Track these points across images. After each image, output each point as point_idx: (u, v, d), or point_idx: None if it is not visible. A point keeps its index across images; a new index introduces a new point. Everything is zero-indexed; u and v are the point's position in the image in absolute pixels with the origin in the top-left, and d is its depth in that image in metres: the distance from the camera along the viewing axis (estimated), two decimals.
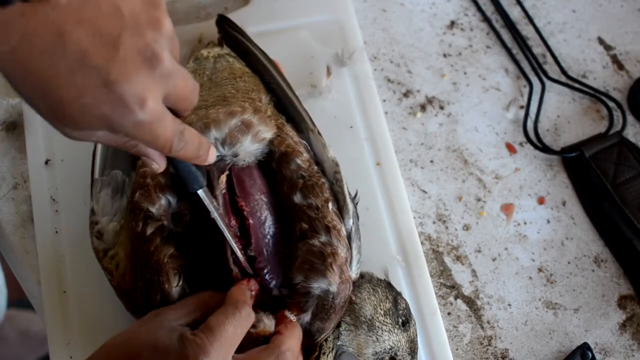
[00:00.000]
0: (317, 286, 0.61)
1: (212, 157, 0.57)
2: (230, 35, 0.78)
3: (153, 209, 0.62)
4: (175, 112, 0.52)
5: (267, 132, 0.66)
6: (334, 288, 0.61)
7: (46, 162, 0.77)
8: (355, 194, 0.69)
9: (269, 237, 0.63)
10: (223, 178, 0.63)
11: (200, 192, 0.59)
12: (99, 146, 0.70)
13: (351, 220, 0.66)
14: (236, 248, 0.61)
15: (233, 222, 0.62)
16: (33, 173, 0.77)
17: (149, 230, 0.61)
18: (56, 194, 0.76)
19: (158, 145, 0.51)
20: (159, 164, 0.55)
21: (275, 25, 0.84)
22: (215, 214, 0.60)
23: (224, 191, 0.63)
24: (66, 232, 0.74)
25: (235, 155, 0.64)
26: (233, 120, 0.65)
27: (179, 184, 0.64)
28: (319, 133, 0.71)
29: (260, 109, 0.68)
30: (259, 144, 0.66)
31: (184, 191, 0.64)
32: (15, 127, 0.80)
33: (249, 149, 0.65)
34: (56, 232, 0.74)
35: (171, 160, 0.56)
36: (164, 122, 0.49)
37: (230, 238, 0.61)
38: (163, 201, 0.63)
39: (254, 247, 0.62)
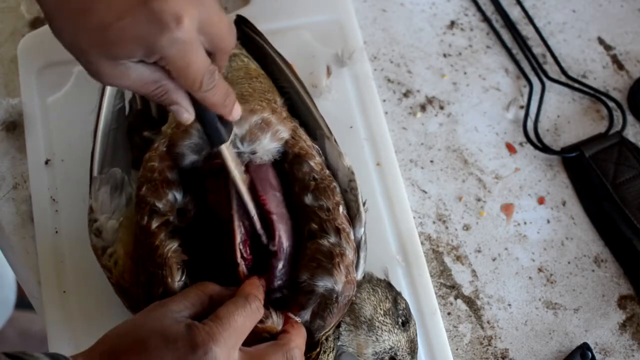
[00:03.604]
0: (322, 284, 0.61)
1: (237, 112, 0.59)
2: (249, 36, 0.78)
3: (159, 204, 0.62)
4: (211, 59, 0.55)
5: (285, 132, 0.66)
6: (339, 287, 0.61)
7: (46, 162, 0.77)
8: (364, 203, 0.69)
9: (284, 234, 0.63)
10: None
11: (222, 147, 0.60)
12: (98, 144, 0.70)
13: (362, 230, 0.67)
14: (253, 211, 0.61)
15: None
16: (33, 173, 0.77)
17: (154, 225, 0.62)
18: (56, 194, 0.76)
19: (189, 76, 0.53)
20: (189, 112, 0.57)
21: (275, 25, 0.84)
22: (234, 174, 0.60)
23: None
24: (66, 232, 0.74)
25: (254, 152, 0.65)
26: (254, 118, 0.65)
27: (185, 180, 0.65)
28: (336, 141, 0.71)
29: (276, 110, 0.68)
30: (277, 143, 0.66)
31: (190, 187, 0.64)
32: (15, 127, 0.80)
33: (268, 147, 0.65)
34: (56, 232, 0.74)
35: (197, 112, 0.57)
36: (197, 49, 0.52)
37: (249, 201, 0.61)
38: (170, 196, 0.63)
39: (276, 241, 0.62)
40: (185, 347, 0.51)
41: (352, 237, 0.64)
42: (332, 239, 0.62)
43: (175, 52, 0.51)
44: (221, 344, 0.52)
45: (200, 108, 0.57)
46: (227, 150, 0.60)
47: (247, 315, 0.55)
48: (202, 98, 0.55)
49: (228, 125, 0.60)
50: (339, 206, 0.65)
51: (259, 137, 0.65)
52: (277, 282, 0.62)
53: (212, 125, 0.58)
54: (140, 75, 0.52)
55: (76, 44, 0.51)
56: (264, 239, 0.62)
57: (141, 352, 0.52)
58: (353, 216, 0.67)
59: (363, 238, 0.67)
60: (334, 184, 0.66)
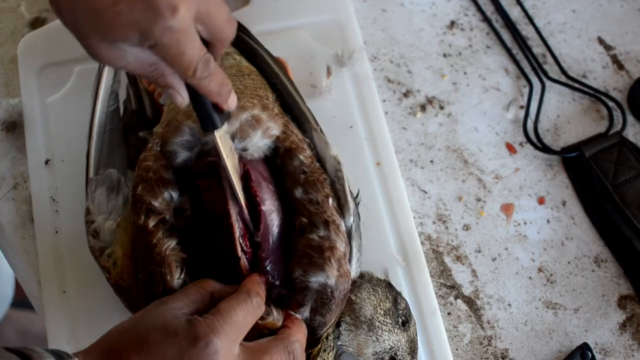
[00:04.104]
0: (315, 280, 0.61)
1: (232, 102, 0.59)
2: (238, 36, 0.78)
3: (155, 203, 0.62)
4: (209, 48, 0.56)
5: (276, 129, 0.67)
6: (331, 281, 0.61)
7: (46, 162, 0.77)
8: (357, 194, 0.69)
9: (275, 227, 0.64)
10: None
11: (214, 134, 0.60)
12: (93, 145, 0.71)
13: (351, 218, 0.66)
14: (242, 201, 0.61)
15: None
16: (33, 173, 0.77)
17: (151, 223, 0.62)
18: (56, 194, 0.76)
19: (183, 64, 0.53)
20: (182, 97, 0.58)
21: (275, 25, 0.84)
22: (226, 162, 0.61)
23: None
24: (66, 232, 0.74)
25: (245, 149, 0.65)
26: (244, 115, 0.65)
27: (181, 179, 0.65)
28: (322, 131, 0.71)
29: (268, 106, 0.69)
30: (268, 139, 0.66)
31: (186, 186, 0.64)
32: (15, 127, 0.80)
33: (259, 144, 0.66)
34: (56, 232, 0.74)
35: (192, 97, 0.58)
36: (191, 38, 0.53)
37: (238, 190, 0.61)
38: (165, 195, 0.63)
39: (261, 233, 0.62)
40: (187, 339, 0.51)
41: (342, 229, 0.64)
42: (321, 233, 0.62)
43: (169, 40, 0.52)
44: (222, 337, 0.52)
45: (195, 93, 0.58)
46: (219, 138, 0.61)
47: (248, 310, 0.55)
48: (196, 85, 0.56)
49: (223, 113, 0.60)
50: (328, 198, 0.65)
51: (250, 134, 0.65)
52: (269, 276, 0.62)
53: (205, 111, 0.59)
54: (137, 57, 0.54)
55: (75, 24, 0.52)
56: (250, 227, 0.62)
57: (142, 348, 0.52)
58: (341, 205, 0.67)
59: (353, 227, 0.66)
60: (324, 176, 0.66)
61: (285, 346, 0.57)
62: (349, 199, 0.67)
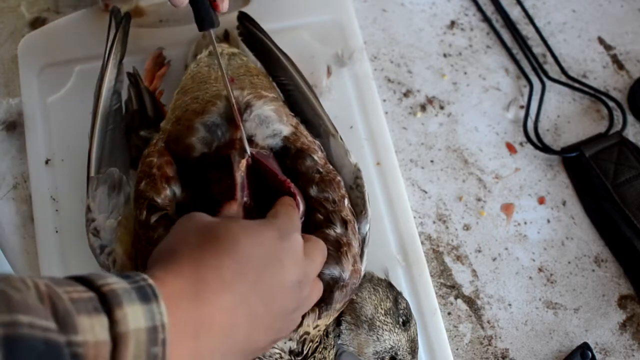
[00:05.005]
0: (329, 273, 0.61)
1: (226, 3, 0.67)
2: (251, 32, 0.78)
3: (158, 199, 0.63)
4: None
5: (286, 128, 0.67)
6: (345, 275, 0.62)
7: (46, 162, 0.77)
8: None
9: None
10: (243, 162, 0.64)
11: (211, 31, 0.67)
12: (95, 144, 0.71)
13: (367, 226, 0.67)
14: (231, 93, 0.64)
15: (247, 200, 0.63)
16: (33, 173, 0.77)
17: (153, 219, 0.62)
18: (56, 193, 0.76)
19: None
20: None
21: (275, 25, 0.84)
22: (221, 61, 0.66)
23: (243, 174, 0.63)
24: (67, 232, 0.74)
25: (250, 105, 0.66)
26: (254, 94, 0.67)
27: (184, 175, 0.65)
28: (341, 138, 0.71)
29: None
30: (272, 105, 0.67)
31: (189, 182, 0.65)
32: (15, 127, 0.80)
33: (263, 113, 0.66)
34: (57, 231, 0.74)
35: None
36: None
37: (228, 85, 0.65)
38: (168, 192, 0.63)
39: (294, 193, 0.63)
40: (274, 236, 0.53)
41: (356, 229, 0.65)
42: (339, 230, 0.63)
43: None
44: (298, 232, 0.56)
45: None
46: (215, 37, 0.67)
47: (295, 212, 0.60)
48: None
49: (216, 16, 0.67)
50: (344, 199, 0.65)
51: (254, 103, 0.66)
52: None
53: (204, 8, 0.66)
54: None
55: None
56: (238, 119, 0.64)
57: (231, 248, 0.50)
58: (359, 212, 0.67)
59: (368, 234, 0.67)
60: (339, 177, 0.67)
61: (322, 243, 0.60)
62: (368, 206, 0.68)
